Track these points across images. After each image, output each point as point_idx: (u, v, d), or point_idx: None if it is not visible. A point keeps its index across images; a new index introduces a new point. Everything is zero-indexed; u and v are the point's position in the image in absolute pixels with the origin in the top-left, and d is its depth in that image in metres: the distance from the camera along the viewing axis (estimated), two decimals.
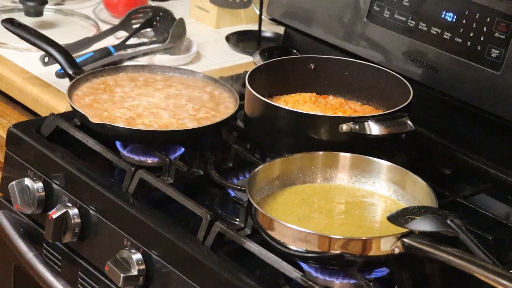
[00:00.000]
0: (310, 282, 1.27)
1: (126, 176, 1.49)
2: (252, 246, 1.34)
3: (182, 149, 1.58)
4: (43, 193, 1.58)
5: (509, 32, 1.54)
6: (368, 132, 1.46)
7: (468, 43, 1.60)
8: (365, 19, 1.74)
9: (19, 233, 1.62)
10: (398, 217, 1.28)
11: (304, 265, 1.32)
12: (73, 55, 1.74)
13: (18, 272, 1.69)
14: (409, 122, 1.48)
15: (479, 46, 1.58)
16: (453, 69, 1.62)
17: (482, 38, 1.58)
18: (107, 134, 1.54)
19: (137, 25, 2.02)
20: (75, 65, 1.70)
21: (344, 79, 1.67)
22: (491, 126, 1.59)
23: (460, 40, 1.61)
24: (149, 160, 1.56)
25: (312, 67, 1.68)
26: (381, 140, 1.47)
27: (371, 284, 1.27)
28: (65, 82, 1.70)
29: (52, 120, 1.62)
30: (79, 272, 1.54)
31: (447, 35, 1.62)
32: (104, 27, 2.07)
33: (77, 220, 1.52)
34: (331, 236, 1.27)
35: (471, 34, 1.59)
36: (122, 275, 1.41)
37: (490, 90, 1.57)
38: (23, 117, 1.85)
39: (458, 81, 1.61)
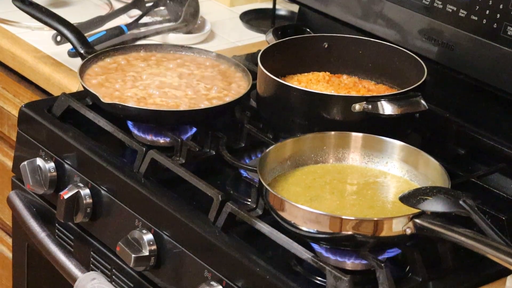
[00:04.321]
0: (321, 263, 1.27)
1: (138, 156, 1.49)
2: (263, 227, 1.33)
3: (194, 129, 1.57)
4: (54, 173, 1.58)
5: None
6: (381, 112, 1.44)
7: (484, 21, 1.58)
8: None
9: (32, 213, 1.62)
10: (410, 198, 1.27)
11: (315, 246, 1.32)
12: (85, 34, 1.73)
13: (31, 251, 1.69)
14: (422, 101, 1.46)
15: (495, 24, 1.56)
16: (469, 48, 1.60)
17: (498, 15, 1.56)
18: (119, 114, 1.53)
19: (150, 4, 2.01)
20: (87, 44, 1.69)
21: (358, 58, 1.65)
22: (507, 105, 1.57)
23: (476, 18, 1.59)
24: (161, 140, 1.55)
25: (326, 46, 1.66)
26: (394, 120, 1.46)
27: (382, 264, 1.26)
28: (78, 61, 1.69)
29: (64, 99, 1.62)
30: (91, 252, 1.54)
31: (462, 13, 1.60)
32: (117, 5, 2.06)
33: (89, 200, 1.52)
34: (343, 217, 1.26)
35: (487, 12, 1.57)
36: (133, 255, 1.41)
37: (506, 69, 1.55)
38: (36, 96, 1.84)
39: (474, 60, 1.59)
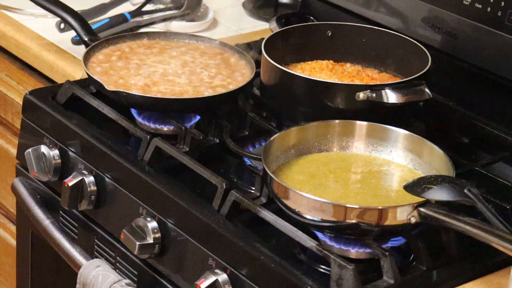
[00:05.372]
0: (326, 251, 1.27)
1: (142, 144, 1.49)
2: (268, 215, 1.33)
3: (198, 117, 1.57)
4: (59, 161, 1.58)
5: None
6: (385, 100, 1.44)
7: (488, 9, 1.57)
8: None
9: (36, 200, 1.62)
10: (414, 186, 1.27)
11: (319, 234, 1.32)
12: (89, 22, 1.73)
13: (35, 238, 1.69)
14: (427, 90, 1.46)
15: (499, 12, 1.56)
16: (473, 36, 1.59)
17: (502, 3, 1.56)
18: (123, 102, 1.53)
19: None
20: (90, 32, 1.69)
21: (361, 46, 1.65)
22: (511, 93, 1.56)
23: (480, 6, 1.58)
24: (165, 128, 1.55)
25: (329, 34, 1.66)
26: (398, 108, 1.46)
27: (386, 253, 1.26)
28: (81, 49, 1.69)
29: (68, 87, 1.62)
30: (95, 240, 1.55)
31: (466, 0, 1.60)
32: None
33: (93, 187, 1.52)
34: (347, 205, 1.26)
35: (491, 0, 1.57)
36: (137, 243, 1.41)
37: (510, 57, 1.55)
38: (40, 84, 1.84)
39: (478, 48, 1.59)
